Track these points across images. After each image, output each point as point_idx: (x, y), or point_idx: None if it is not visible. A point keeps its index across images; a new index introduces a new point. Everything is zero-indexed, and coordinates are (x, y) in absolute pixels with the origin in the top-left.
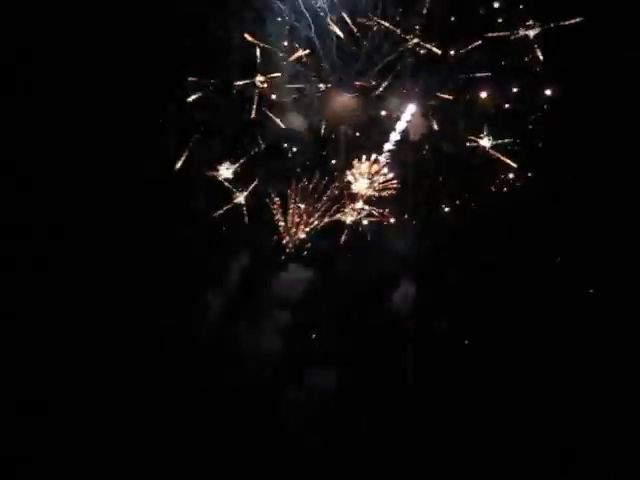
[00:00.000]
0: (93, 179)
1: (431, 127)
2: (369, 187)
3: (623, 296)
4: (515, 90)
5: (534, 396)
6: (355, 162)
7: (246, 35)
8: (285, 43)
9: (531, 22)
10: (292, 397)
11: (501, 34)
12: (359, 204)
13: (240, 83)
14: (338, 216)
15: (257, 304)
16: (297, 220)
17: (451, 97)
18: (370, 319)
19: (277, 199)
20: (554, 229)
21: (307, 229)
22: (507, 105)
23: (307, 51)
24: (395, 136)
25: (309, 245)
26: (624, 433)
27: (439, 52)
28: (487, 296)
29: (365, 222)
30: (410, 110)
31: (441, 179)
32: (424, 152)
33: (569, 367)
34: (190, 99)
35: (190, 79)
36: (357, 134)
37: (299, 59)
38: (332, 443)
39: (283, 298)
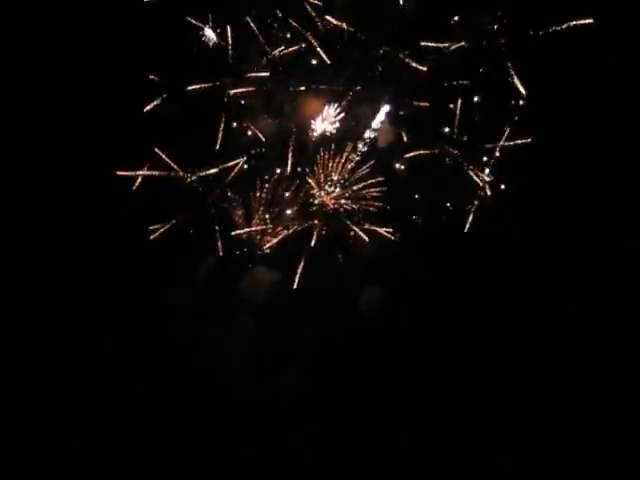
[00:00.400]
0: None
1: (400, 135)
2: (337, 196)
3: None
4: (488, 99)
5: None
6: (322, 169)
7: (215, 37)
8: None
9: (504, 31)
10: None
11: (474, 43)
12: (328, 210)
13: (207, 85)
14: (306, 224)
15: (224, 307)
16: (262, 228)
17: (423, 104)
18: (338, 322)
19: (240, 210)
20: (527, 237)
21: (274, 239)
22: (477, 117)
23: (278, 53)
24: (362, 147)
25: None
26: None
27: (411, 61)
28: (461, 305)
29: (333, 228)
30: (380, 118)
31: (411, 188)
32: (393, 160)
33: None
34: (150, 105)
35: (151, 78)
36: (325, 140)
37: (270, 62)
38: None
39: (250, 301)
